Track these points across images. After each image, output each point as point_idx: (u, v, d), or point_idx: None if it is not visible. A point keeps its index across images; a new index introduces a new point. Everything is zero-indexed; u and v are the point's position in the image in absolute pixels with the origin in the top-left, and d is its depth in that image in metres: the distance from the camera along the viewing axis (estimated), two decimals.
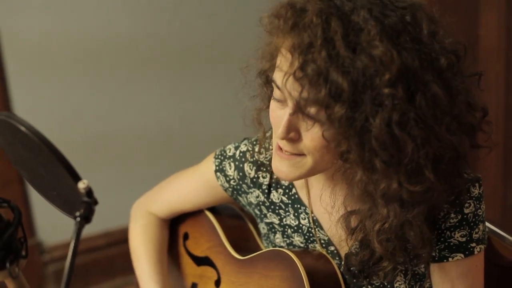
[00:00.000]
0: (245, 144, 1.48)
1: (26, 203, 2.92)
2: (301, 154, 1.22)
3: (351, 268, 1.36)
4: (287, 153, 1.23)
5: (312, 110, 1.15)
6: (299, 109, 1.15)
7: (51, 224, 2.95)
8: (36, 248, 3.00)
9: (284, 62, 1.16)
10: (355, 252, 1.35)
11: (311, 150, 1.19)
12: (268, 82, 1.29)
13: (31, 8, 2.75)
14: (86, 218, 0.92)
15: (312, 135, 1.18)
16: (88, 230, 3.35)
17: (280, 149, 1.24)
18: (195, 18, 2.98)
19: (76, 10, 2.82)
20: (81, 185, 0.92)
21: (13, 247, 0.97)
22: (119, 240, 2.95)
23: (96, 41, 2.89)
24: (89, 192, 0.93)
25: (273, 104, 1.24)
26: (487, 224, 1.63)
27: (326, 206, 1.36)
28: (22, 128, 0.92)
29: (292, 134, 1.20)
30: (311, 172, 1.25)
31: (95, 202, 0.93)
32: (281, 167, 1.25)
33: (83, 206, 0.92)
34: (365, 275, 1.36)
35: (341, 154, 1.17)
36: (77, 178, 0.92)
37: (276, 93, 1.21)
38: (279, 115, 1.21)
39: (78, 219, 0.92)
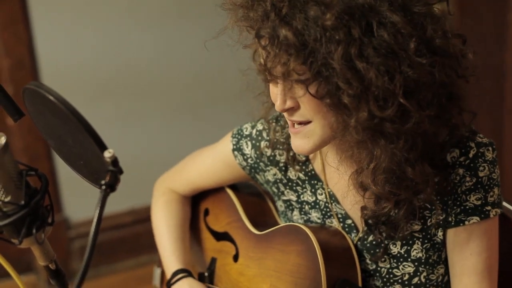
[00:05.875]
0: (262, 123, 1.51)
1: (54, 180, 2.95)
2: (308, 122, 1.27)
3: (368, 221, 1.38)
4: (297, 127, 1.29)
5: (293, 70, 1.21)
6: (282, 75, 1.22)
7: (77, 201, 2.99)
8: (63, 224, 3.03)
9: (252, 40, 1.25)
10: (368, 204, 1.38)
11: (311, 112, 1.25)
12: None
13: None
14: (111, 186, 0.94)
15: (305, 96, 1.23)
16: (114, 207, 3.34)
17: (292, 126, 1.30)
18: None
19: None
20: (107, 154, 0.93)
21: (39, 214, 0.99)
22: (144, 217, 2.94)
23: None
24: (114, 161, 0.94)
25: (270, 86, 1.30)
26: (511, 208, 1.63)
27: (340, 180, 1.41)
28: (51, 97, 0.93)
29: (289, 102, 1.26)
30: (322, 140, 1.29)
31: (121, 171, 0.95)
32: (296, 141, 1.31)
33: (108, 175, 0.94)
34: (381, 231, 1.38)
35: (327, 104, 1.22)
36: (103, 147, 0.94)
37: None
38: (274, 92, 1.28)
39: (104, 187, 0.94)
